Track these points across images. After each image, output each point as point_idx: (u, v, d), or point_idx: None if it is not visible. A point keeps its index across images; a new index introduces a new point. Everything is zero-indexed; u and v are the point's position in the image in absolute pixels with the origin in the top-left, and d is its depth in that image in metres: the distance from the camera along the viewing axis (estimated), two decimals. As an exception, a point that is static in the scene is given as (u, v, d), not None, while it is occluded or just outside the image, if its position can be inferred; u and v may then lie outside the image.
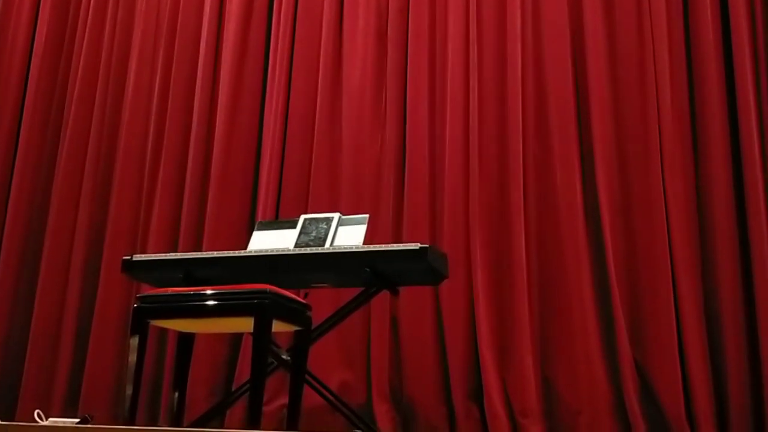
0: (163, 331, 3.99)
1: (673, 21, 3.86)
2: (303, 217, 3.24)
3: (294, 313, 2.74)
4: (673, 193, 3.66)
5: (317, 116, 4.19)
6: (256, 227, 3.38)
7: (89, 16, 4.78)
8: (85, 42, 4.73)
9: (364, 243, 3.06)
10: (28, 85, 4.77)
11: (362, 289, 3.21)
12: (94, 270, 4.30)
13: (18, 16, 4.93)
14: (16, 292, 4.42)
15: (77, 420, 3.19)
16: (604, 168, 3.77)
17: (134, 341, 2.70)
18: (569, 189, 3.76)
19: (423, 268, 2.99)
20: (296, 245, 3.11)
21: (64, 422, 3.07)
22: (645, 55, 3.82)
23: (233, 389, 3.77)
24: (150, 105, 4.53)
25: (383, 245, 3.06)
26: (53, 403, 4.08)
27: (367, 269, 2.98)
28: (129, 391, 2.68)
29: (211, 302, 2.63)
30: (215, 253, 3.16)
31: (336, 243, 3.09)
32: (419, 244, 2.93)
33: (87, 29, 4.75)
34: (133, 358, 2.69)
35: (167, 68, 4.53)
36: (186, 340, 2.97)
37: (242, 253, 3.11)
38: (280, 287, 2.67)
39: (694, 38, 3.84)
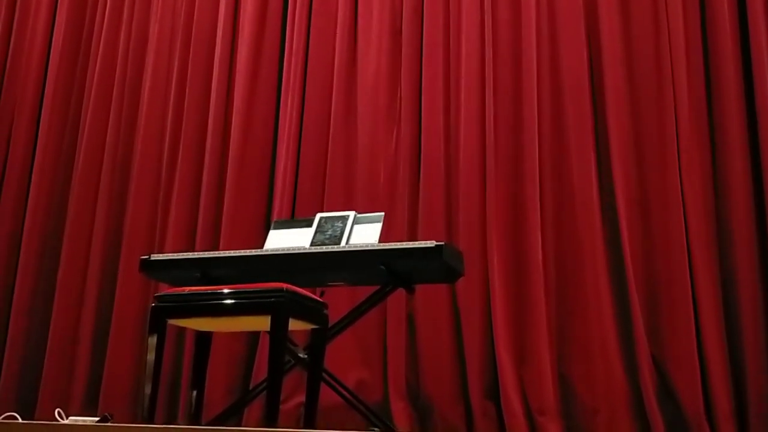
0: (181, 330, 4.01)
1: (689, 17, 3.82)
2: (318, 215, 3.25)
3: (310, 311, 2.75)
4: (691, 190, 3.63)
5: (332, 115, 4.19)
6: (272, 226, 3.40)
7: (105, 19, 4.82)
8: (101, 44, 4.76)
9: (380, 241, 3.07)
10: (46, 87, 4.82)
11: (378, 287, 3.21)
12: (112, 269, 4.34)
13: (35, 19, 4.98)
14: (35, 291, 4.47)
15: (97, 418, 3.21)
16: (621, 165, 3.74)
17: (152, 340, 2.72)
18: (586, 186, 3.74)
19: (439, 265, 2.99)
20: (312, 244, 3.11)
21: (84, 421, 3.09)
22: (661, 51, 3.79)
23: (251, 387, 3.79)
24: (166, 105, 4.56)
25: (399, 243, 3.07)
26: (73, 402, 4.11)
27: (383, 267, 2.98)
28: (147, 389, 2.70)
29: (228, 301, 2.64)
30: (232, 252, 3.18)
31: (351, 241, 3.10)
32: (435, 242, 2.93)
33: (103, 31, 4.79)
34: (151, 356, 2.71)
35: (183, 69, 4.56)
36: (203, 338, 2.99)
37: (259, 252, 3.12)
38: (296, 286, 2.68)
39: (710, 34, 3.79)
